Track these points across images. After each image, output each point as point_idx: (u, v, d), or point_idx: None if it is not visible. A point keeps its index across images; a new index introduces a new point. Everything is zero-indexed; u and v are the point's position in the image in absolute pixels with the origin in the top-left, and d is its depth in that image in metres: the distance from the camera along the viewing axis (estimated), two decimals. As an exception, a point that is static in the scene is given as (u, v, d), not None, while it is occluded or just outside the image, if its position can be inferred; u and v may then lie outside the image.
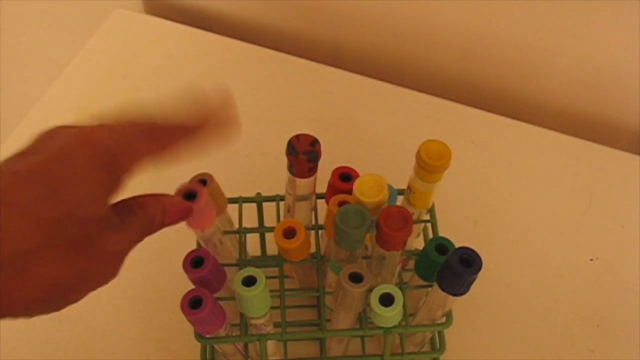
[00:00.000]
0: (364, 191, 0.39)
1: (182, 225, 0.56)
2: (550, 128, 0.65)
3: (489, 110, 0.66)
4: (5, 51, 0.88)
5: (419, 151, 0.41)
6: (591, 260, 0.57)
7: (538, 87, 0.68)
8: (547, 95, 0.68)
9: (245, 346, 0.46)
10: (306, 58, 0.70)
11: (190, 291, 0.38)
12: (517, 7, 0.61)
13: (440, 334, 0.45)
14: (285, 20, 0.74)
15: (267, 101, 0.67)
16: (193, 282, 0.40)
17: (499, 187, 0.61)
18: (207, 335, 0.41)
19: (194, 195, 0.38)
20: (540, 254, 0.57)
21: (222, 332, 0.41)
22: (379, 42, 0.71)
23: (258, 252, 0.53)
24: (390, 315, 0.37)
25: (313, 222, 0.46)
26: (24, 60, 0.91)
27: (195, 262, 0.40)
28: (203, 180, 0.43)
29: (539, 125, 0.66)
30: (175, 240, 0.57)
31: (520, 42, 0.64)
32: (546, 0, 0.59)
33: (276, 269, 0.44)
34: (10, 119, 0.68)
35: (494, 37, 0.65)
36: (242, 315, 0.41)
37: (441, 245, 0.40)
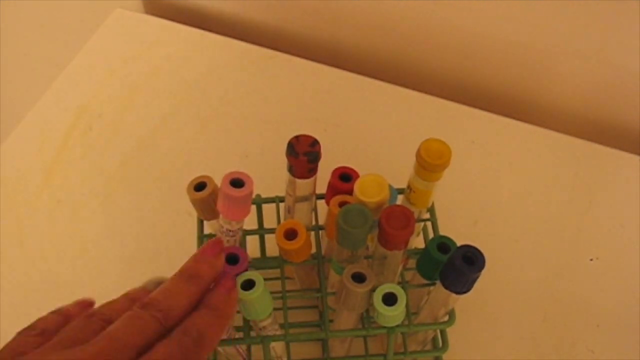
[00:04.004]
0: (365, 191, 0.40)
1: (183, 224, 0.57)
2: (550, 128, 0.65)
3: (489, 110, 0.66)
4: (5, 51, 0.88)
5: (419, 150, 0.41)
6: (591, 260, 0.57)
7: (538, 87, 0.68)
8: (546, 96, 0.68)
9: (248, 349, 0.46)
10: (306, 58, 0.70)
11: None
12: (517, 7, 0.61)
13: (443, 332, 0.45)
14: (285, 20, 0.74)
15: (267, 101, 0.67)
16: None
17: (499, 187, 0.61)
18: None
19: (242, 183, 0.38)
20: (540, 254, 0.57)
21: (224, 334, 0.41)
22: (379, 42, 0.71)
23: (258, 254, 0.53)
24: (393, 315, 0.37)
25: (313, 223, 0.46)
26: (24, 60, 0.91)
27: None
28: (202, 183, 0.43)
29: (539, 125, 0.66)
30: (177, 242, 0.57)
31: (520, 42, 0.64)
32: (546, 0, 0.59)
33: (277, 270, 0.44)
34: (10, 119, 0.68)
35: (494, 37, 0.65)
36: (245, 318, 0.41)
37: (443, 244, 0.40)
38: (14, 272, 0.56)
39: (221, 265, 0.36)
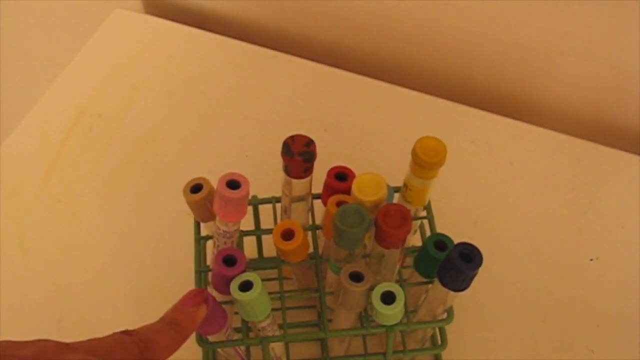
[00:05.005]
0: (363, 190, 0.40)
1: (183, 224, 0.57)
2: (550, 128, 0.65)
3: (489, 110, 0.66)
4: (5, 51, 0.89)
5: (414, 148, 0.41)
6: (591, 260, 0.57)
7: (538, 87, 0.68)
8: (546, 95, 0.68)
9: (247, 350, 0.46)
10: (306, 58, 0.70)
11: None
12: (517, 7, 0.61)
13: (442, 330, 0.45)
14: (285, 20, 0.74)
15: (267, 101, 0.67)
16: None
17: (499, 187, 0.61)
18: (208, 337, 0.41)
19: (238, 185, 0.38)
20: (540, 254, 0.57)
21: (223, 335, 0.41)
22: (379, 42, 0.71)
23: (255, 255, 0.53)
24: (392, 313, 0.37)
25: (310, 223, 0.46)
26: (24, 60, 0.91)
27: None
28: (198, 185, 0.42)
29: (539, 125, 0.65)
30: (176, 242, 0.57)
31: (520, 42, 0.64)
32: (546, 0, 0.59)
33: (274, 270, 0.44)
34: (10, 119, 0.69)
35: (494, 37, 0.65)
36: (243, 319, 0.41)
37: (440, 242, 0.40)
38: (14, 272, 0.56)
39: (201, 316, 0.37)
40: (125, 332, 0.33)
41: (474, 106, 0.67)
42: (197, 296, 0.37)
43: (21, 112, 0.66)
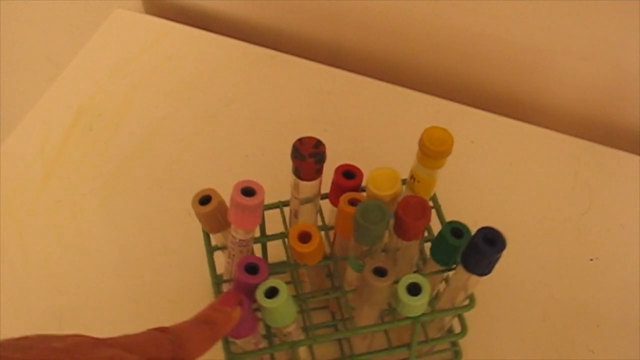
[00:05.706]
0: (379, 185, 0.40)
1: (183, 224, 0.57)
2: (550, 128, 0.65)
3: (489, 110, 0.67)
4: (5, 51, 0.88)
5: (421, 138, 0.41)
6: (591, 260, 0.57)
7: (538, 87, 0.68)
8: (547, 95, 0.69)
9: (271, 355, 0.46)
10: (306, 58, 0.70)
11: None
12: (517, 7, 0.62)
13: (461, 317, 0.45)
14: (285, 20, 0.74)
15: (267, 101, 0.67)
16: None
17: (499, 187, 0.62)
18: (236, 344, 0.41)
19: (253, 192, 0.38)
20: (540, 254, 0.57)
21: (251, 340, 0.41)
22: (379, 42, 0.71)
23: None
24: (419, 304, 0.38)
25: (319, 223, 0.46)
26: (24, 60, 0.91)
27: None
28: (207, 196, 0.42)
29: (539, 125, 0.66)
30: (176, 241, 0.57)
31: (520, 42, 0.64)
32: (546, 0, 0.60)
33: (283, 275, 0.44)
34: (10, 119, 0.68)
35: (494, 37, 0.65)
36: (267, 326, 0.40)
37: (456, 229, 0.40)
38: (14, 272, 0.56)
39: (237, 317, 0.37)
40: (160, 329, 0.33)
41: (474, 106, 0.67)
42: (234, 298, 0.37)
43: (21, 112, 0.66)
